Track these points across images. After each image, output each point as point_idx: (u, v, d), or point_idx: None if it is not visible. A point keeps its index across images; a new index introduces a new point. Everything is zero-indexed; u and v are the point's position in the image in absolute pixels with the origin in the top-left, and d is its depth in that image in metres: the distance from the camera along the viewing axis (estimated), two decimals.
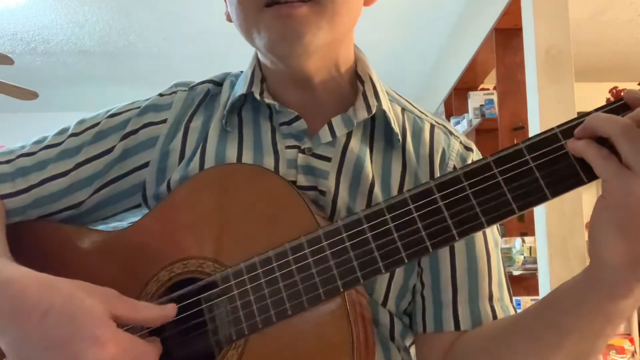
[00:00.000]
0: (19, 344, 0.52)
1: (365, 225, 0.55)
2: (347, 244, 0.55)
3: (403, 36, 3.92)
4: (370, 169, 0.70)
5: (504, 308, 0.69)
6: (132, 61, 4.36)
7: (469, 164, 0.53)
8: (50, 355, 0.51)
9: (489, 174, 0.52)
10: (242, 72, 0.78)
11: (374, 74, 0.75)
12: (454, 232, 0.52)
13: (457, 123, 3.75)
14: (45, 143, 0.74)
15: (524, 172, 0.51)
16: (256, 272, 0.58)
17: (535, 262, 2.52)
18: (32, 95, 3.89)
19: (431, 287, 0.69)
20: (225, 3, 0.74)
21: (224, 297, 0.59)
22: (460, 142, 0.75)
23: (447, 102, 4.18)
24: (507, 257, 2.78)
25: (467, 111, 3.61)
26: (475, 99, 3.49)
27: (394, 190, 0.70)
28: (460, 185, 0.52)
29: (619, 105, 0.51)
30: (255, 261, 0.58)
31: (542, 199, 0.51)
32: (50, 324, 0.52)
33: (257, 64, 0.75)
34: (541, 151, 0.51)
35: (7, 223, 0.70)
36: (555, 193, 0.51)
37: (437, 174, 0.71)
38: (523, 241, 2.72)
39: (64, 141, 0.74)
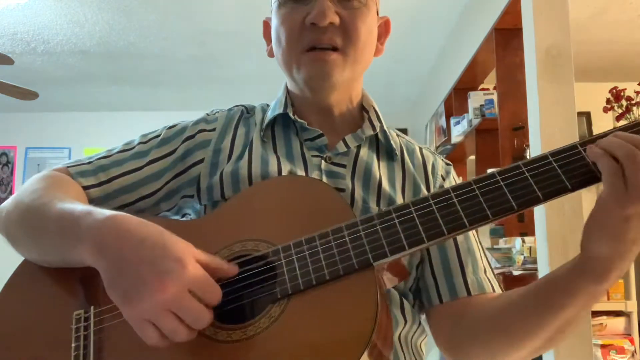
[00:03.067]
0: (118, 261, 0.65)
1: (393, 214, 0.69)
2: (378, 227, 0.69)
3: (403, 36, 3.92)
4: (377, 171, 0.90)
5: (492, 279, 0.89)
6: (132, 61, 4.36)
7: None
8: (143, 270, 0.63)
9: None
10: (267, 104, 1.00)
11: (376, 106, 0.98)
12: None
13: (457, 123, 3.75)
14: (117, 150, 0.93)
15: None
16: (301, 246, 0.70)
17: (535, 262, 2.51)
18: (32, 95, 3.89)
19: (442, 267, 0.88)
20: (267, 42, 0.98)
21: (273, 265, 0.70)
22: (442, 160, 0.99)
23: (447, 102, 4.18)
24: (507, 257, 2.77)
25: (467, 111, 3.60)
26: (475, 99, 3.48)
27: (399, 189, 0.90)
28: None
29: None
30: (302, 239, 0.71)
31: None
32: (146, 247, 0.65)
33: (287, 92, 0.97)
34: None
35: None
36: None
37: (431, 182, 0.93)
38: (523, 241, 2.71)
39: (134, 147, 0.93)
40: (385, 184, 0.88)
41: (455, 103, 3.98)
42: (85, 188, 0.87)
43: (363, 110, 0.97)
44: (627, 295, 3.05)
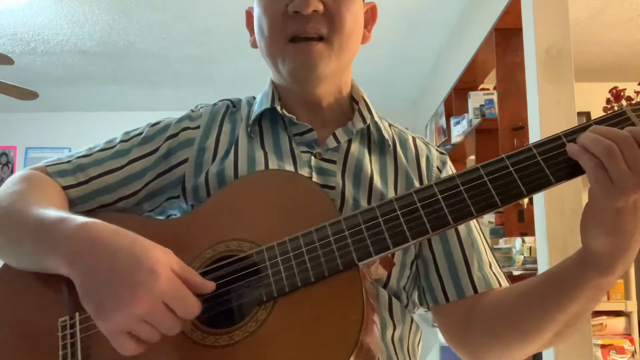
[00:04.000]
0: (90, 274, 0.64)
1: (377, 212, 0.68)
2: (362, 226, 0.67)
3: (403, 36, 3.91)
4: (369, 166, 0.87)
5: (498, 272, 0.87)
6: (132, 61, 4.35)
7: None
8: (115, 283, 0.62)
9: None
10: (253, 97, 0.96)
11: (366, 96, 0.94)
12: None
13: (457, 123, 3.75)
14: (99, 148, 0.90)
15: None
16: (285, 247, 0.69)
17: (535, 262, 2.51)
18: (32, 95, 3.89)
19: (447, 265, 0.86)
20: (250, 32, 0.94)
21: (258, 267, 0.69)
22: (437, 150, 0.96)
23: (447, 102, 4.18)
24: (507, 257, 2.77)
25: (467, 111, 3.60)
26: (475, 99, 3.48)
27: (391, 184, 0.87)
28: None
29: (622, 118, 0.65)
30: (286, 239, 0.69)
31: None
32: (118, 260, 0.63)
33: (273, 85, 0.93)
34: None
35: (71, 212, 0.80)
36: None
37: (424, 174, 0.90)
38: (523, 241, 2.72)
39: (115, 145, 0.89)
40: (377, 180, 0.85)
41: (455, 103, 3.98)
42: (64, 188, 0.84)
43: (353, 101, 0.93)
44: (627, 295, 3.05)
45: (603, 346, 2.95)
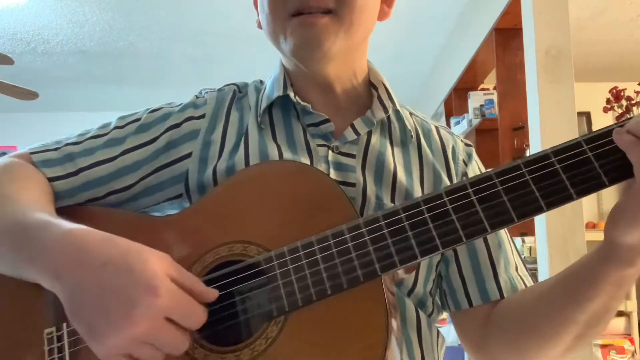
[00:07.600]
0: (78, 291, 0.56)
1: (402, 215, 0.60)
2: (385, 231, 0.60)
3: (403, 36, 3.91)
4: (391, 160, 0.79)
5: (525, 275, 0.81)
6: (132, 61, 4.35)
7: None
8: (107, 301, 0.54)
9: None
10: (260, 80, 0.88)
11: (386, 81, 0.84)
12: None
13: (457, 123, 3.75)
14: (90, 134, 0.81)
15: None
16: (298, 254, 0.61)
17: (535, 262, 2.51)
18: (32, 95, 3.89)
19: (471, 266, 0.79)
20: (257, 12, 0.84)
21: (267, 276, 0.62)
22: (461, 140, 0.87)
23: (447, 102, 4.18)
24: None
25: (467, 111, 3.61)
26: (475, 99, 3.49)
27: (416, 179, 0.79)
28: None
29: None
30: (298, 244, 0.62)
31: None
32: (109, 273, 0.55)
33: (284, 69, 0.83)
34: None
35: (57, 206, 0.74)
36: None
37: (451, 166, 0.82)
38: (523, 241, 2.72)
39: (108, 132, 0.80)
40: (401, 174, 0.78)
41: (455, 103, 3.98)
42: (50, 180, 0.76)
43: (371, 86, 0.84)
44: (627, 295, 3.05)
45: (603, 346, 2.95)
